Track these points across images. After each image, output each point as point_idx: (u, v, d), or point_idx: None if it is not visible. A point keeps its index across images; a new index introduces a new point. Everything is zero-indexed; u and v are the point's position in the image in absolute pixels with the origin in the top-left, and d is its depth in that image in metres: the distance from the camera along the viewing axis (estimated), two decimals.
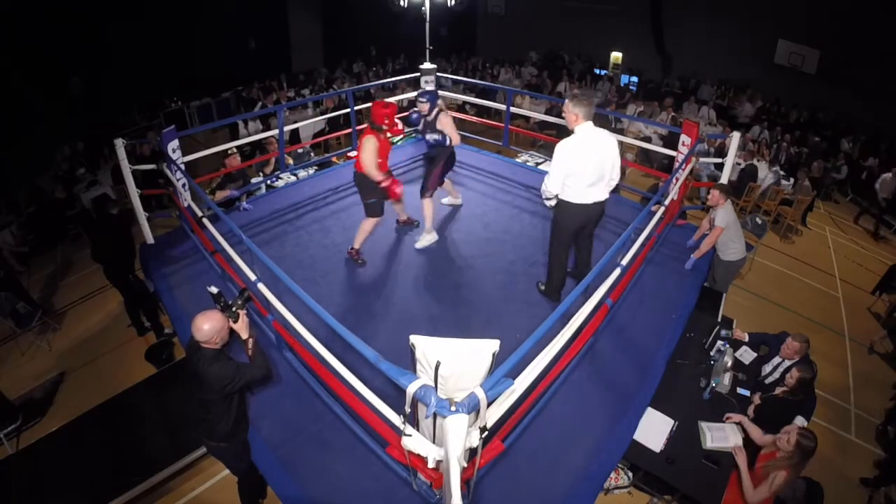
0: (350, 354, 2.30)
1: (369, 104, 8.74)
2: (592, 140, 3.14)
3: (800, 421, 3.28)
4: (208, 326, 2.25)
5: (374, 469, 2.66)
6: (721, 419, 3.17)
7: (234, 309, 2.39)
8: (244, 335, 2.45)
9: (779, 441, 2.74)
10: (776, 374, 3.48)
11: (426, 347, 1.90)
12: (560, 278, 3.71)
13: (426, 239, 4.45)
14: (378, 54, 13.53)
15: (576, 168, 3.14)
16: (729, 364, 3.45)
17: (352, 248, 4.25)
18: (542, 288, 3.90)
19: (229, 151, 5.26)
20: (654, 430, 3.03)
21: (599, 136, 3.16)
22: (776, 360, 3.54)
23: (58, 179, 7.66)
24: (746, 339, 3.80)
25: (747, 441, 3.04)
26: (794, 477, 2.67)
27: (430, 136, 4.04)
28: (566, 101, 3.17)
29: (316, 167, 6.18)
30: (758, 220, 6.36)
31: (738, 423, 3.10)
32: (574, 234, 3.53)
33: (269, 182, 5.84)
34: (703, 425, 3.09)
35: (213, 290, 2.56)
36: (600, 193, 3.30)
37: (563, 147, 3.13)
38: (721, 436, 3.03)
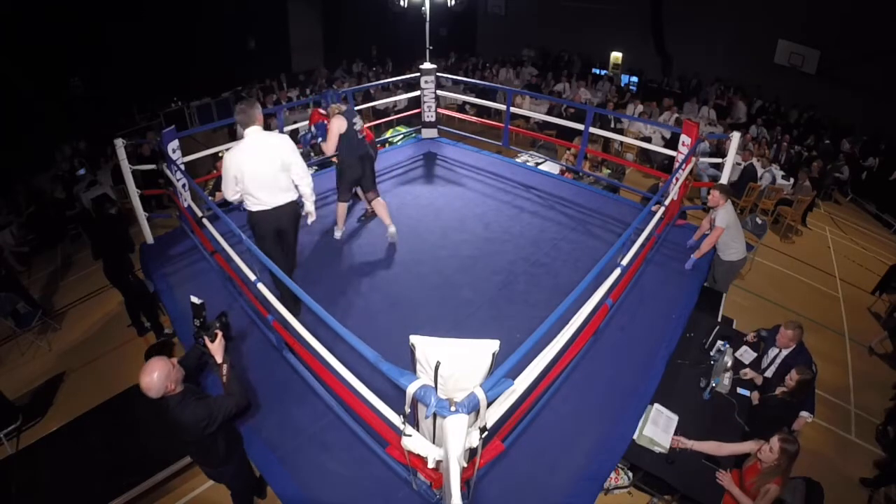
0: (350, 355, 2.30)
1: (370, 104, 8.80)
2: (259, 145, 3.19)
3: (805, 415, 3.31)
4: (156, 377, 2.08)
5: (374, 469, 2.66)
6: (721, 419, 3.20)
7: (212, 329, 2.29)
8: (219, 359, 2.31)
9: (760, 453, 2.72)
10: (774, 366, 3.50)
11: (426, 347, 1.90)
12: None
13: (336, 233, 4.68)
14: (378, 54, 13.53)
15: (246, 175, 3.17)
16: (729, 364, 3.46)
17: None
18: None
19: (220, 154, 5.26)
20: (661, 427, 3.04)
21: (267, 139, 3.24)
22: (773, 350, 3.56)
23: (58, 179, 7.67)
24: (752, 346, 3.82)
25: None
26: (785, 483, 2.65)
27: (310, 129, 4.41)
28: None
29: (316, 167, 6.17)
30: (758, 220, 6.37)
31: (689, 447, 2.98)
32: (274, 240, 3.47)
33: None
34: (658, 408, 3.14)
35: (196, 300, 2.41)
36: (283, 196, 3.34)
37: (228, 155, 3.22)
38: (654, 429, 3.03)
